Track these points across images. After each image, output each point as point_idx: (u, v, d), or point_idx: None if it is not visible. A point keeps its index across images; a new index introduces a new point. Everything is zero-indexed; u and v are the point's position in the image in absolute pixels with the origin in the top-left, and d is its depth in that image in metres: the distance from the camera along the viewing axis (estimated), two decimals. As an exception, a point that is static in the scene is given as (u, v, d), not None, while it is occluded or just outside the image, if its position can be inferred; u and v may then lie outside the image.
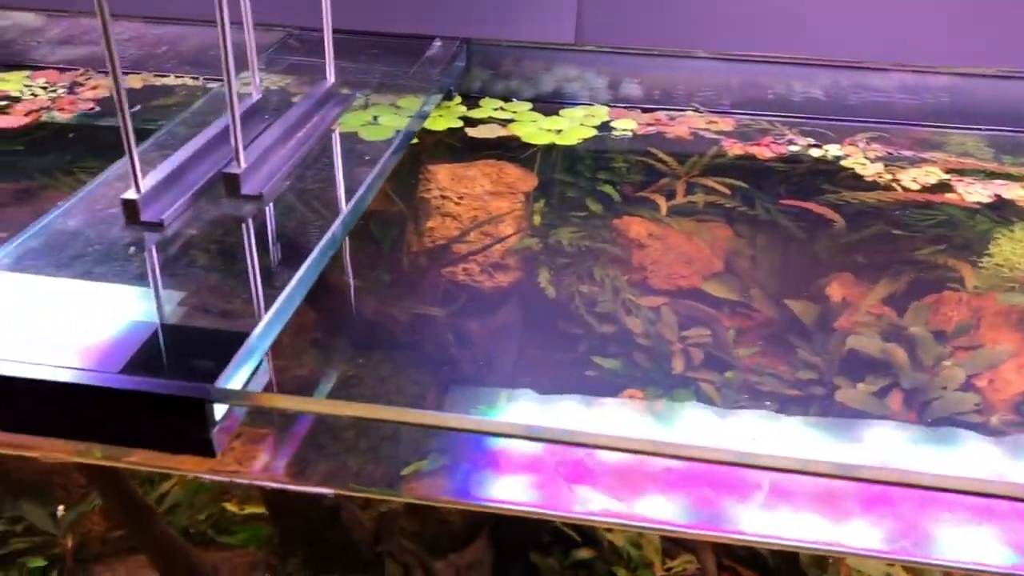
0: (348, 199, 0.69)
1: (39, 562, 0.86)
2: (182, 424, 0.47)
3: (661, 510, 0.61)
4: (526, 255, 0.84)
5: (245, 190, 0.66)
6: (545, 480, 0.63)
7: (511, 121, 1.02)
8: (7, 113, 1.06)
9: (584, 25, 1.07)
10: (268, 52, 1.07)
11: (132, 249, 0.61)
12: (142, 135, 1.05)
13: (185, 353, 0.50)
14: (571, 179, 0.96)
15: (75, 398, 0.48)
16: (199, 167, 0.69)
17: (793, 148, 1.01)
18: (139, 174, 0.61)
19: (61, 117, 1.05)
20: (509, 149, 0.99)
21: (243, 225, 0.66)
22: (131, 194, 0.62)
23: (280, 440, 0.58)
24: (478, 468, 0.63)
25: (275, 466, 0.57)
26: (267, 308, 0.54)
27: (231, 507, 0.87)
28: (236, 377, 0.49)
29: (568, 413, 0.68)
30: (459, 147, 0.99)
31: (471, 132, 1.00)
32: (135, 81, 1.16)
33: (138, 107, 1.09)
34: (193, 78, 1.17)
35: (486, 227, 0.88)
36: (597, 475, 0.63)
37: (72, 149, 0.99)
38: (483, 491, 0.61)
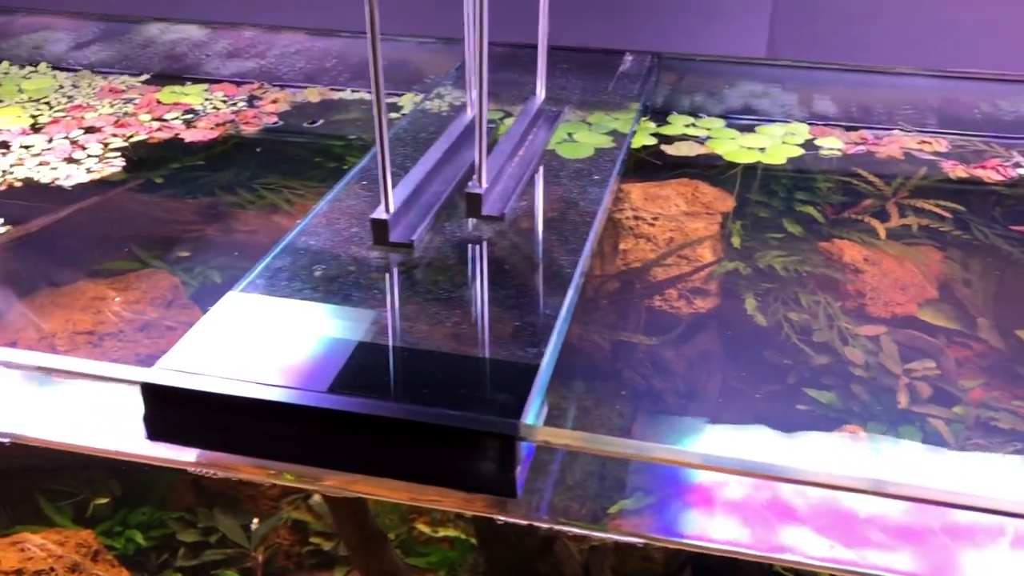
0: (590, 221, 0.66)
1: (231, 574, 0.86)
2: (485, 462, 0.45)
3: (892, 559, 0.57)
4: (728, 279, 0.80)
5: (486, 210, 0.65)
6: (756, 519, 0.59)
7: (707, 138, 0.99)
8: (194, 127, 1.07)
9: (777, 38, 1.03)
10: (457, 67, 1.06)
11: (317, 271, 0.60)
12: (328, 149, 1.06)
13: (475, 385, 0.48)
14: (771, 199, 0.92)
15: (367, 429, 0.47)
16: (431, 186, 0.68)
17: (1021, 171, 0.95)
18: (391, 194, 0.60)
19: (246, 131, 1.07)
20: (707, 167, 0.96)
21: (490, 247, 0.64)
22: (381, 214, 0.61)
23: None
24: (685, 505, 0.59)
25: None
26: (547, 337, 0.52)
27: (423, 527, 0.86)
28: (531, 412, 0.47)
29: (779, 448, 0.64)
30: (656, 165, 0.96)
31: (668, 150, 0.97)
32: (312, 95, 1.17)
33: (320, 120, 1.09)
34: (370, 92, 1.17)
35: (684, 250, 0.85)
36: (814, 516, 0.59)
37: (253, 164, 1.00)
38: (687, 529, 0.58)
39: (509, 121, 0.90)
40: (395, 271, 0.61)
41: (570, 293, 0.57)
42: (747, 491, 0.60)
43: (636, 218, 0.89)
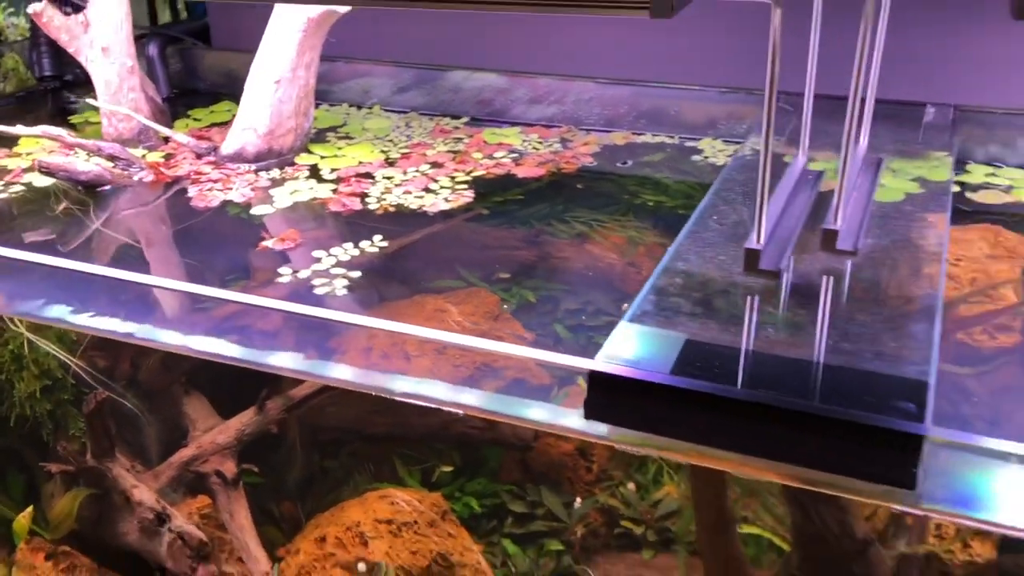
0: (938, 256, 0.76)
1: (555, 545, 1.00)
2: (889, 457, 0.56)
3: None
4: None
5: (840, 245, 0.75)
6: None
7: (1011, 188, 1.05)
8: (521, 164, 1.26)
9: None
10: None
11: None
12: (638, 188, 1.20)
13: (877, 393, 0.59)
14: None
15: (789, 422, 0.59)
16: (785, 223, 0.80)
17: None
18: (763, 226, 0.73)
19: (566, 169, 1.24)
20: (1011, 215, 1.02)
21: (851, 276, 0.76)
22: (752, 244, 0.73)
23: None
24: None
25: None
26: (929, 355, 0.62)
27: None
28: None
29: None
30: (964, 211, 1.03)
31: (974, 196, 1.05)
32: (618, 138, 1.33)
33: (629, 162, 1.24)
34: (669, 136, 1.32)
35: (988, 291, 0.91)
36: None
37: (569, 198, 1.15)
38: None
39: (823, 166, 1.00)
40: (784, 293, 0.72)
41: (937, 319, 0.67)
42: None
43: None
